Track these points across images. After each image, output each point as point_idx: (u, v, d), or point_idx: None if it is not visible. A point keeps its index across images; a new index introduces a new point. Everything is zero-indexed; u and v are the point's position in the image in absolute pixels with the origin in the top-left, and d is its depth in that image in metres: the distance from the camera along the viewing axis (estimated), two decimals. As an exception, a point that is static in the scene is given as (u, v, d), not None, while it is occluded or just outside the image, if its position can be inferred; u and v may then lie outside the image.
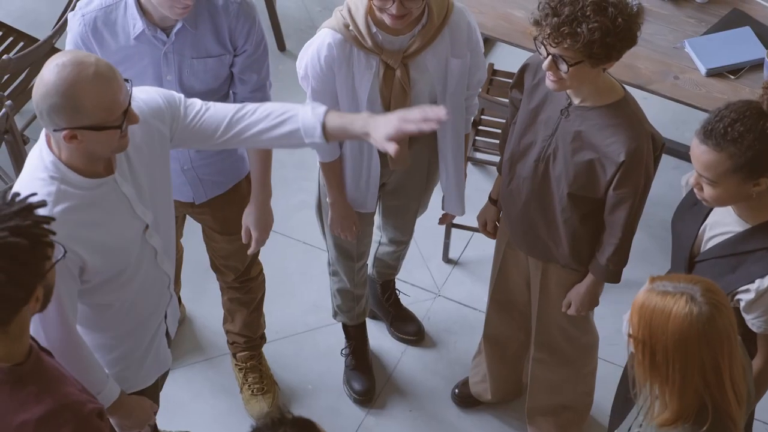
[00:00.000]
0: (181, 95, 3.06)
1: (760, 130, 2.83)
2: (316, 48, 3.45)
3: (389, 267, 4.40)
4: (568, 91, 3.28)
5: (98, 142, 2.76)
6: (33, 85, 4.58)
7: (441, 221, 4.02)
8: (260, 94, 3.47)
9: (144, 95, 2.98)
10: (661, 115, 4.96)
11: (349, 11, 3.43)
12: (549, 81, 3.20)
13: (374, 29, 3.41)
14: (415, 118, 2.88)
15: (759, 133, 2.83)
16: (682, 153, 4.96)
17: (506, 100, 4.48)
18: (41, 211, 2.47)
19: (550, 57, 3.13)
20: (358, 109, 3.52)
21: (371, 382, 4.34)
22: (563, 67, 3.12)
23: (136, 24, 3.28)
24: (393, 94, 3.50)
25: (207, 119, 3.03)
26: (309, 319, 4.54)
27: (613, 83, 3.30)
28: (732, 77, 4.21)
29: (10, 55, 4.36)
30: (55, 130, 2.75)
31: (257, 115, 3.03)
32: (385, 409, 4.33)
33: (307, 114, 2.99)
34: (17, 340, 2.50)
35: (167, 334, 3.34)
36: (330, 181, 3.71)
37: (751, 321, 3.01)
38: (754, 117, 2.84)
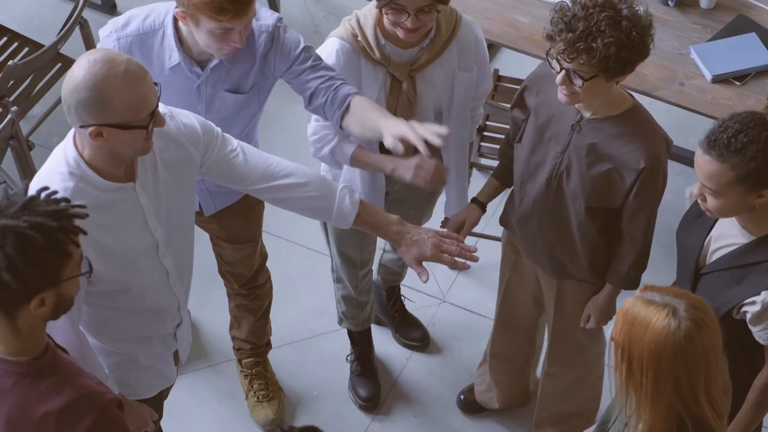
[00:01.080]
0: (220, 129, 3.08)
1: (764, 141, 2.83)
2: (324, 56, 3.44)
3: (394, 273, 4.40)
4: (577, 105, 3.26)
5: (123, 142, 2.76)
6: (38, 90, 4.63)
7: (443, 224, 4.02)
8: (330, 81, 3.36)
9: (185, 119, 3.00)
10: (666, 120, 4.91)
11: (358, 21, 3.43)
12: (562, 95, 3.17)
13: (383, 41, 3.41)
14: (451, 251, 3.12)
15: (762, 144, 2.82)
16: (686, 159, 4.96)
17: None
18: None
19: (563, 72, 3.10)
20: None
21: (377, 388, 4.34)
22: (578, 81, 3.09)
23: (172, 55, 3.27)
24: (399, 106, 3.50)
25: (240, 162, 3.06)
26: (314, 324, 4.54)
27: (622, 92, 3.29)
28: (738, 83, 4.20)
29: (15, 60, 4.35)
30: (81, 126, 2.74)
31: (293, 179, 3.10)
32: (390, 415, 4.33)
33: (345, 200, 3.12)
34: (30, 337, 2.51)
35: (177, 354, 3.33)
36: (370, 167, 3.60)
37: (758, 333, 3.01)
38: (758, 128, 2.84)
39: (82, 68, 2.70)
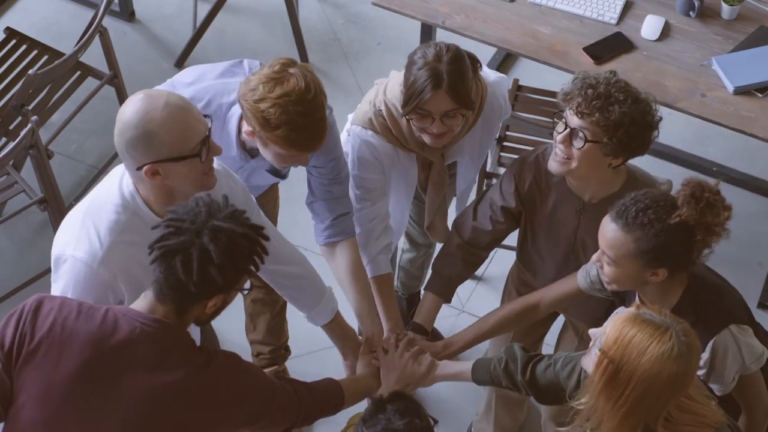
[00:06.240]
0: (256, 204, 3.17)
1: (669, 223, 2.84)
2: (357, 146, 3.47)
3: (414, 278, 4.39)
4: (574, 186, 3.26)
5: (181, 176, 2.77)
6: (57, 99, 4.63)
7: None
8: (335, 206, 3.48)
9: (231, 180, 3.07)
10: (684, 131, 4.95)
11: (390, 112, 3.41)
12: (554, 162, 3.16)
13: (417, 133, 3.39)
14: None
15: (667, 226, 2.84)
16: (705, 168, 4.96)
17: (531, 116, 4.49)
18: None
19: (567, 130, 3.10)
20: (407, 189, 3.64)
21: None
22: (578, 143, 3.08)
23: (229, 148, 3.25)
24: (431, 182, 3.61)
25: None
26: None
27: (615, 169, 3.23)
28: (760, 95, 4.18)
29: (35, 69, 4.36)
30: (138, 169, 2.75)
31: (299, 269, 3.35)
32: (409, 427, 4.31)
33: (323, 311, 3.41)
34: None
35: None
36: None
37: (713, 387, 3.02)
38: (667, 209, 2.86)
39: (125, 110, 2.73)
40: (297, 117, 3.01)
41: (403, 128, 3.41)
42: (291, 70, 3.04)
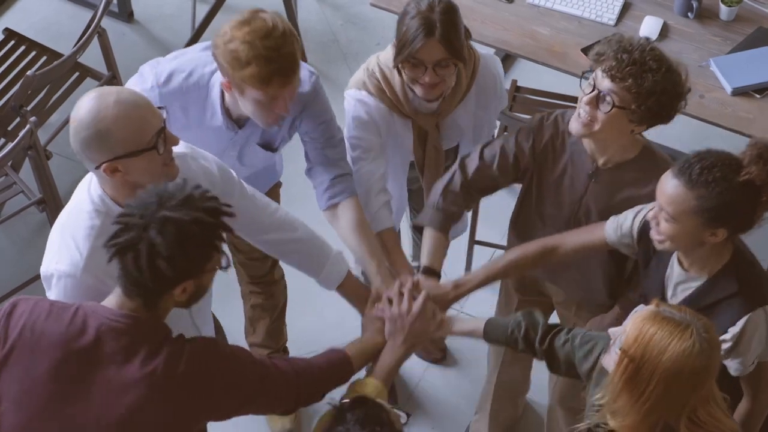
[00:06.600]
0: (238, 179, 3.12)
1: (734, 183, 2.82)
2: (352, 108, 3.46)
3: None
4: (591, 149, 3.22)
5: (141, 170, 2.75)
6: (55, 100, 4.64)
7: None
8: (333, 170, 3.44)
9: (203, 160, 3.03)
10: (682, 131, 4.94)
11: (384, 75, 3.42)
12: (576, 122, 3.11)
13: (411, 95, 3.40)
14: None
15: (731, 185, 2.82)
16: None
17: (530, 117, 4.48)
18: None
19: (595, 92, 3.06)
20: (402, 162, 3.60)
21: (394, 400, 4.33)
22: (605, 107, 3.04)
23: (214, 116, 3.28)
24: (427, 156, 3.57)
25: (250, 210, 3.12)
26: (332, 335, 4.50)
27: (634, 136, 3.21)
28: (758, 96, 4.19)
29: (33, 70, 4.36)
30: (96, 168, 2.75)
31: (300, 234, 3.24)
32: (407, 427, 4.31)
33: (332, 271, 3.30)
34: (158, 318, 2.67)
35: None
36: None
37: (730, 365, 3.01)
38: (732, 169, 2.83)
39: (78, 110, 2.72)
40: (265, 51, 3.02)
41: (397, 89, 3.42)
42: (261, 14, 3.08)
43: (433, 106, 3.45)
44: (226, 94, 3.22)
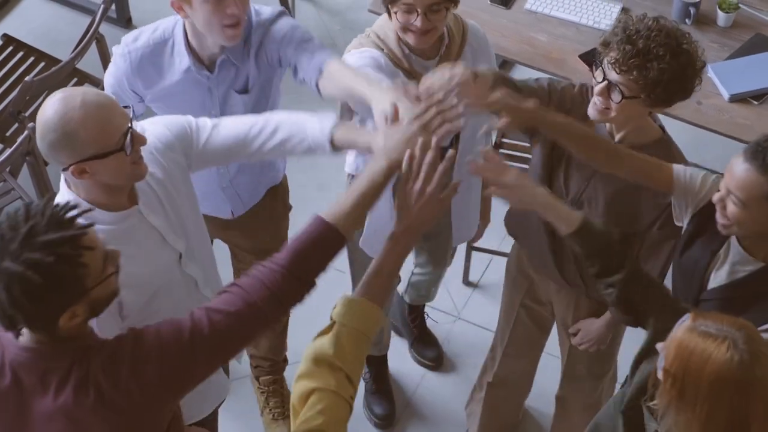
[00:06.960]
0: (191, 120, 3.00)
1: None
2: (364, 64, 3.35)
3: (421, 296, 4.40)
4: (609, 126, 3.18)
5: (109, 171, 2.72)
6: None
7: None
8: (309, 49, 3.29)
9: (154, 128, 2.94)
10: (680, 137, 4.84)
11: (378, 37, 3.43)
12: (593, 109, 3.09)
13: (407, 51, 3.40)
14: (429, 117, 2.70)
15: None
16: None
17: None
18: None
19: (605, 82, 3.04)
20: None
21: (391, 406, 4.33)
22: (616, 97, 3.02)
23: (182, 60, 3.29)
24: None
25: (221, 140, 2.99)
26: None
27: (652, 122, 3.21)
28: (756, 102, 4.19)
29: (32, 76, 4.36)
30: (64, 170, 2.73)
31: (269, 130, 2.97)
32: (404, 433, 4.33)
33: (315, 129, 2.92)
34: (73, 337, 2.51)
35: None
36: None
37: None
38: None
39: (44, 113, 2.68)
40: None
41: (396, 51, 3.40)
42: None
43: (429, 66, 3.43)
44: (189, 32, 3.25)
